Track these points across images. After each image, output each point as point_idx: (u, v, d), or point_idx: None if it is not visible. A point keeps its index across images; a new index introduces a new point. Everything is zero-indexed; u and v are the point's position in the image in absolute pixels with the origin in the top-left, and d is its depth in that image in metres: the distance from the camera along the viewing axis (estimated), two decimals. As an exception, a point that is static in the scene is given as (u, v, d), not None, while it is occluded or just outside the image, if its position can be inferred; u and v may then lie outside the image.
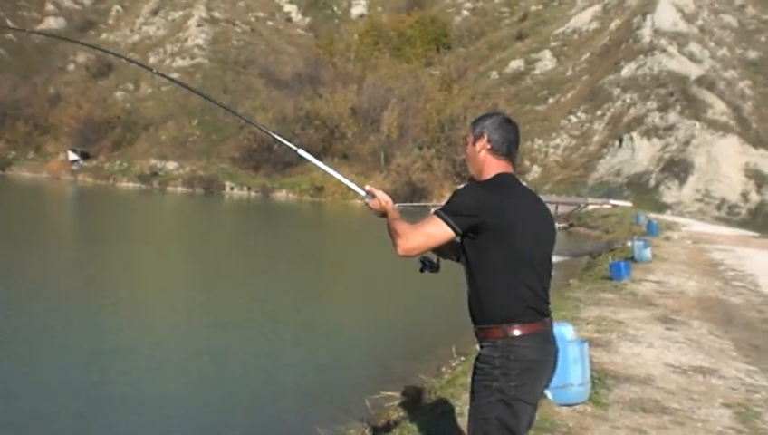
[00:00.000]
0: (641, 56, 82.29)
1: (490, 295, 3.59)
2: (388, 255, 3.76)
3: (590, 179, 70.79)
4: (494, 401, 3.49)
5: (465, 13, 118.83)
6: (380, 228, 3.84)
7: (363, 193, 4.02)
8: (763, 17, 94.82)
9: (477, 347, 3.70)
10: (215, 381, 11.85)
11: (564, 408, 6.81)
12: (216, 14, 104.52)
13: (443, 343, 12.22)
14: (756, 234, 41.83)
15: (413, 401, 8.62)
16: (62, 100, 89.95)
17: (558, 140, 79.58)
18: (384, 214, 3.86)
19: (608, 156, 72.70)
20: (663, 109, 73.92)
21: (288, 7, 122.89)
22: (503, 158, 3.78)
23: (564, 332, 6.81)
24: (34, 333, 13.99)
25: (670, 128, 71.39)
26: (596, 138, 76.81)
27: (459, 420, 6.52)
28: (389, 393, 9.40)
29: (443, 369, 10.80)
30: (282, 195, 75.45)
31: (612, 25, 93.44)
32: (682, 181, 66.33)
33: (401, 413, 8.28)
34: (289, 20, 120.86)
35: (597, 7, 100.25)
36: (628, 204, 58.34)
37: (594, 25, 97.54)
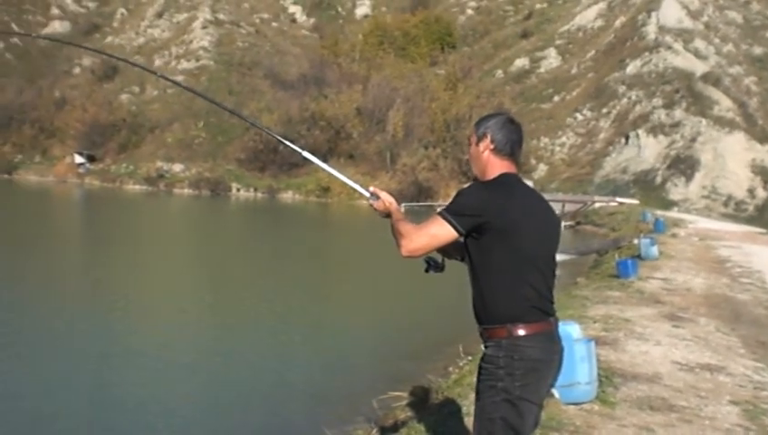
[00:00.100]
0: (646, 53, 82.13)
1: (494, 295, 3.59)
2: (393, 255, 3.76)
3: (596, 177, 70.66)
4: (499, 400, 3.49)
5: (470, 12, 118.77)
6: (386, 229, 3.85)
7: (368, 194, 4.03)
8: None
9: (482, 347, 3.71)
10: (222, 381, 11.89)
11: (571, 406, 6.81)
12: (221, 16, 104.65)
13: (450, 343, 12.21)
14: (763, 230, 41.67)
15: (420, 401, 8.63)
16: (68, 103, 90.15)
17: (564, 138, 79.46)
18: (388, 215, 3.87)
19: (614, 153, 72.57)
20: (669, 106, 73.76)
21: (293, 8, 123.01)
22: (506, 158, 3.79)
23: (571, 330, 6.81)
24: (43, 336, 14.05)
25: (676, 125, 71.22)
26: (602, 135, 76.68)
27: (466, 419, 6.52)
28: (397, 393, 9.41)
29: (450, 368, 10.79)
30: (288, 196, 75.48)
31: (617, 23, 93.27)
32: (688, 178, 66.18)
33: (409, 413, 8.29)
34: (293, 21, 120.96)
35: (601, 5, 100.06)
36: (635, 201, 58.20)
37: (599, 23, 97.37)
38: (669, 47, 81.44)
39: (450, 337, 12.64)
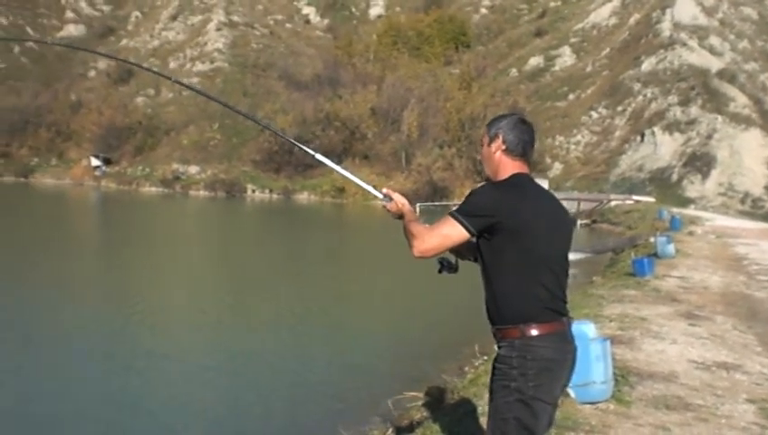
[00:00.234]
0: (661, 50, 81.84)
1: (506, 296, 3.60)
2: (408, 256, 3.78)
3: (611, 175, 70.45)
4: (513, 400, 3.50)
5: (484, 11, 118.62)
6: (400, 230, 3.87)
7: (380, 196, 4.04)
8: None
9: (495, 347, 3.72)
10: (239, 381, 11.95)
11: (587, 406, 6.80)
12: (235, 18, 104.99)
13: (465, 343, 12.21)
14: (781, 227, 41.44)
15: (436, 402, 8.62)
16: (84, 106, 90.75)
17: (579, 137, 79.27)
18: (401, 216, 3.88)
19: (629, 151, 72.35)
20: (684, 103, 73.46)
21: (306, 9, 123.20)
22: (518, 158, 3.79)
23: (586, 330, 6.80)
24: (64, 338, 14.19)
25: (692, 122, 70.93)
26: (617, 133, 76.45)
27: (482, 419, 6.51)
28: (412, 393, 9.41)
29: (466, 368, 10.79)
30: (303, 197, 75.64)
31: (631, 20, 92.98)
32: (705, 175, 65.89)
33: (424, 413, 8.30)
34: (307, 22, 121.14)
35: (616, 2, 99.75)
36: (651, 199, 57.98)
37: (613, 20, 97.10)
38: (684, 44, 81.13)
39: (466, 337, 12.63)
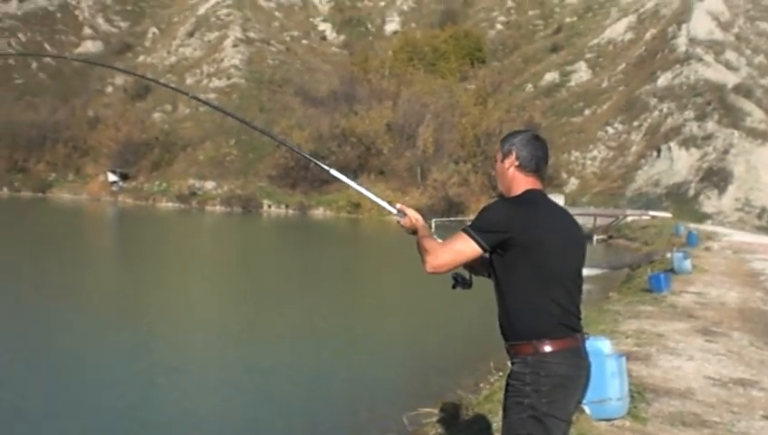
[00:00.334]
0: (677, 65, 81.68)
1: (519, 312, 3.60)
2: (423, 271, 3.79)
3: (628, 191, 70.26)
4: (526, 417, 3.49)
5: (499, 26, 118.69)
6: (414, 245, 3.88)
7: (394, 211, 4.06)
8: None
9: (509, 364, 3.72)
10: (255, 395, 11.97)
11: (602, 423, 6.77)
12: (252, 35, 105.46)
13: (481, 359, 12.17)
14: (799, 243, 41.17)
15: (451, 417, 8.60)
16: (101, 122, 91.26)
17: (595, 152, 79.13)
18: (414, 231, 3.90)
19: (646, 167, 72.15)
20: (700, 118, 73.27)
21: (322, 26, 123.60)
22: (531, 174, 3.80)
23: (601, 346, 6.78)
24: (82, 353, 14.27)
25: (708, 137, 70.71)
26: (633, 148, 76.28)
27: (497, 436, 6.51)
28: (427, 409, 9.39)
29: (481, 385, 10.76)
30: (319, 212, 75.73)
31: (647, 35, 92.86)
32: (721, 191, 65.64)
33: (439, 429, 8.27)
34: (323, 38, 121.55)
35: (631, 17, 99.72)
36: (668, 215, 57.79)
37: (629, 36, 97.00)
38: (700, 59, 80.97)
39: (481, 353, 12.60)
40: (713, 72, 79.39)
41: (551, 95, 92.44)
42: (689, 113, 74.46)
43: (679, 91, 78.08)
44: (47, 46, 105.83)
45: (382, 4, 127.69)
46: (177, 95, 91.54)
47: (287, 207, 77.67)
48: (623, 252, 39.48)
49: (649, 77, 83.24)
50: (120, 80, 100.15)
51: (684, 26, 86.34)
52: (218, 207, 77.74)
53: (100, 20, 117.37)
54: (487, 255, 3.67)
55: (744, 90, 76.22)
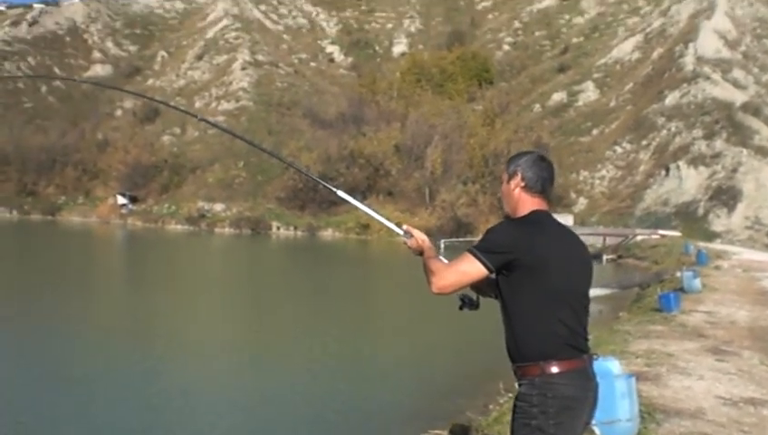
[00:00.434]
0: (685, 84, 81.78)
1: (526, 333, 3.59)
2: (430, 292, 3.79)
3: (637, 210, 70.19)
4: (534, 439, 3.48)
5: (506, 47, 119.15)
6: (421, 267, 3.88)
7: (401, 232, 4.06)
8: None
9: (516, 385, 3.71)
10: (263, 417, 11.96)
11: (612, 443, 6.73)
12: (260, 57, 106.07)
13: (490, 380, 12.13)
14: (809, 261, 40.98)
15: (460, 439, 8.58)
16: (111, 145, 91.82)
17: (603, 172, 79.15)
18: (421, 253, 3.89)
19: (654, 186, 72.11)
20: (709, 136, 73.27)
21: (330, 48, 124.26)
22: (537, 195, 3.80)
23: (611, 366, 6.76)
24: (96, 376, 14.25)
25: (717, 155, 70.69)
26: (642, 168, 76.29)
27: (506, 457, 6.48)
28: (437, 432, 9.37)
29: (490, 406, 10.73)
30: (328, 233, 75.79)
31: (655, 54, 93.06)
32: (731, 209, 65.51)
33: (448, 451, 8.25)
34: (331, 60, 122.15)
35: (638, 37, 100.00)
36: (677, 234, 57.63)
37: (636, 55, 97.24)
38: (708, 78, 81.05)
39: (490, 374, 12.56)
40: (720, 90, 79.44)
41: (558, 115, 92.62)
42: (697, 132, 74.49)
43: (687, 109, 78.13)
44: (57, 70, 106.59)
45: (390, 26, 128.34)
46: (185, 118, 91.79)
47: (296, 228, 77.77)
48: (633, 271, 39.34)
49: (657, 96, 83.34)
50: (129, 103, 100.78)
51: (691, 45, 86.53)
52: (227, 229, 77.91)
53: (110, 44, 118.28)
54: (493, 276, 3.66)
55: (752, 108, 76.23)
